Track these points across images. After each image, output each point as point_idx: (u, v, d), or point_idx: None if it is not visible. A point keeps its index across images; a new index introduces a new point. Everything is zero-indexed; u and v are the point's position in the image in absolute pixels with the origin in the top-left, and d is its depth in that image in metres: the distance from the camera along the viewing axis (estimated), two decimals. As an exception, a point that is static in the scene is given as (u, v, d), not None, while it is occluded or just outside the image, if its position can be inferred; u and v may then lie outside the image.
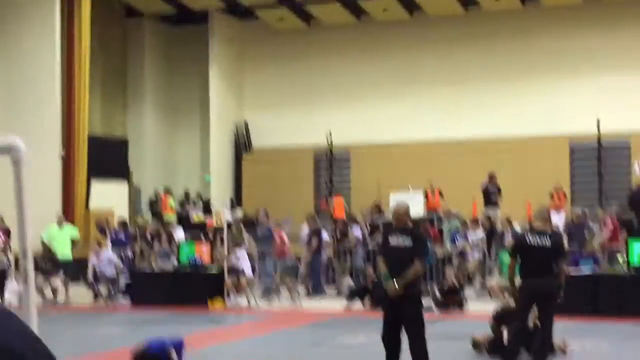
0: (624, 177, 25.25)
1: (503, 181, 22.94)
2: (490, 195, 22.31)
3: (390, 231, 9.88)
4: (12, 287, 17.71)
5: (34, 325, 2.92)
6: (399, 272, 9.15)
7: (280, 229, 19.23)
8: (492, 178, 22.57)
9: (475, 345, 11.22)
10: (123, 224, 21.52)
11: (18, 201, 2.83)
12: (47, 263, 18.54)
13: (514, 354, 10.22)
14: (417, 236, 9.40)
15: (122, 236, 20.80)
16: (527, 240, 10.29)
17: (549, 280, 10.11)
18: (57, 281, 18.68)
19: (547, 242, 10.18)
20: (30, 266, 2.90)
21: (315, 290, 19.20)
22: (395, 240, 9.34)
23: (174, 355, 8.19)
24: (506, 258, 16.44)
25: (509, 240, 17.52)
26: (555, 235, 10.82)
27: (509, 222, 18.63)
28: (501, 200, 22.22)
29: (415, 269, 9.13)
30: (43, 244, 18.79)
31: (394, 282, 9.11)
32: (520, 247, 10.44)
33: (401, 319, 9.20)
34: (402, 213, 9.48)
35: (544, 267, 10.12)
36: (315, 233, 19.48)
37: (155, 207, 27.64)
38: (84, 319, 16.12)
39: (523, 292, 10.28)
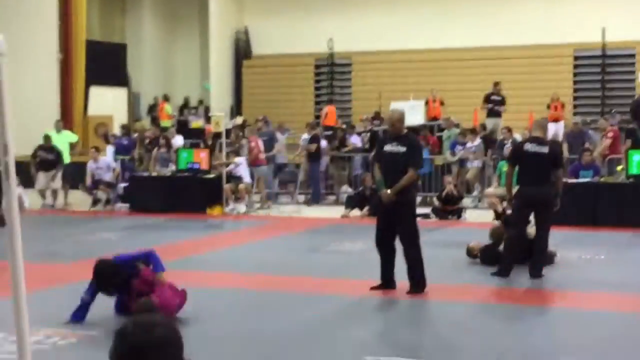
0: (628, 86, 25.02)
1: (506, 91, 22.72)
2: (494, 105, 22.10)
3: (386, 138, 9.82)
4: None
5: (17, 229, 2.84)
6: (393, 179, 9.14)
7: (255, 137, 19.04)
8: (496, 86, 22.34)
9: (469, 252, 11.23)
10: (125, 129, 21.41)
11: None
12: (48, 152, 18.51)
13: (509, 262, 10.24)
14: (412, 143, 9.33)
15: (124, 141, 20.70)
16: (525, 148, 10.23)
17: (546, 188, 10.08)
18: (58, 181, 18.66)
19: (545, 150, 10.12)
20: (12, 162, 2.79)
21: (314, 198, 19.21)
22: (390, 147, 9.28)
23: (141, 265, 8.12)
24: (505, 167, 16.41)
25: (508, 149, 17.41)
26: (553, 144, 10.74)
27: (510, 131, 18.48)
28: (504, 110, 22.04)
29: (408, 176, 9.10)
30: (45, 137, 18.74)
31: (387, 189, 9.11)
32: (518, 155, 10.39)
33: (395, 226, 9.19)
34: (396, 120, 9.39)
35: (541, 175, 10.09)
36: (314, 140, 19.36)
37: (154, 113, 27.51)
38: (83, 223, 16.15)
39: (520, 199, 10.26)
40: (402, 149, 9.17)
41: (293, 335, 7.55)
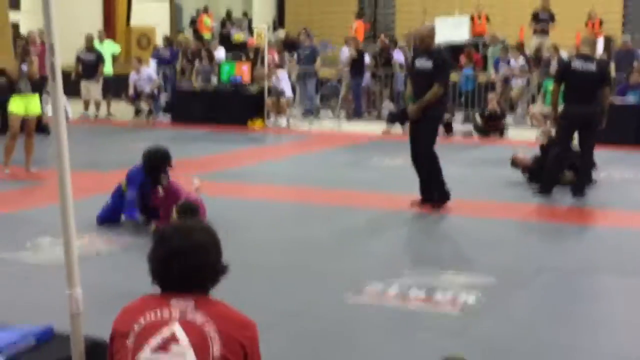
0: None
1: (553, 7, 22.18)
2: (541, 22, 21.61)
3: (417, 54, 9.69)
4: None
5: (64, 132, 2.82)
6: (421, 95, 9.05)
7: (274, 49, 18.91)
8: (544, 3, 21.81)
9: (514, 163, 11.12)
10: (167, 41, 21.36)
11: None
12: (90, 53, 18.55)
13: (552, 179, 10.17)
14: (438, 59, 9.16)
15: (166, 53, 20.68)
16: (573, 66, 10.04)
17: (592, 106, 9.92)
18: (99, 92, 18.76)
19: (592, 67, 9.92)
20: (58, 63, 2.78)
21: (355, 113, 19.13)
22: (419, 63, 9.19)
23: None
24: (550, 85, 16.15)
25: (554, 67, 17.12)
26: (601, 62, 10.51)
27: (556, 49, 18.12)
28: (552, 29, 21.56)
29: (432, 92, 8.99)
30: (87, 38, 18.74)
31: (413, 104, 9.06)
32: (565, 72, 10.19)
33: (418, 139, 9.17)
34: (426, 35, 9.23)
35: (587, 93, 9.90)
36: (357, 55, 19.14)
37: (196, 25, 27.37)
38: (125, 134, 16.29)
39: (565, 117, 10.11)
40: (430, 64, 9.04)
41: (325, 244, 7.66)
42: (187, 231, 2.63)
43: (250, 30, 25.28)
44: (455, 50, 19.50)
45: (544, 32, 21.31)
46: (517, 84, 18.52)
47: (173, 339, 2.48)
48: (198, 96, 18.25)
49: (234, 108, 17.59)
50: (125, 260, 7.12)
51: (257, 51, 19.33)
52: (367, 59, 19.66)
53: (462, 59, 19.23)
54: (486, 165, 12.63)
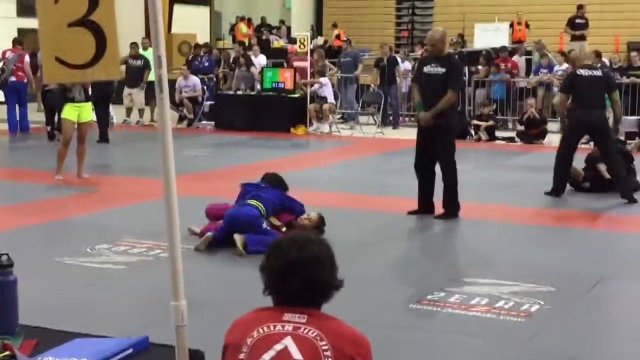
0: None
1: (591, 14, 22.08)
2: (578, 28, 21.54)
3: (425, 59, 9.63)
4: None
5: (169, 139, 2.88)
6: (432, 101, 8.97)
7: None
8: (580, 9, 21.74)
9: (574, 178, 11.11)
10: (207, 49, 21.53)
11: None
12: (136, 59, 18.73)
13: (558, 180, 10.33)
14: (452, 64, 9.11)
15: (205, 61, 20.84)
16: (579, 73, 10.30)
17: (598, 112, 10.13)
18: (141, 99, 18.93)
19: (598, 73, 10.27)
20: (165, 75, 2.89)
21: (393, 122, 19.12)
22: (429, 68, 9.10)
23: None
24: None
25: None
26: (606, 69, 10.79)
27: (598, 55, 18.03)
28: (588, 34, 21.46)
29: (447, 98, 8.93)
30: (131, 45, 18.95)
31: (425, 112, 9.00)
32: (572, 81, 10.42)
33: (433, 149, 9.10)
34: (438, 40, 9.11)
35: (594, 99, 10.12)
36: (390, 62, 19.09)
37: (234, 32, 27.55)
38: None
39: (570, 123, 10.36)
40: (442, 70, 8.96)
41: (377, 250, 7.78)
42: (302, 243, 2.63)
43: (289, 38, 25.42)
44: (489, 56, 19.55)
45: (582, 37, 21.24)
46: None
47: (286, 354, 2.48)
48: (240, 102, 18.38)
49: (276, 114, 17.69)
50: (187, 268, 7.21)
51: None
52: (408, 65, 19.66)
53: (501, 63, 19.16)
54: (528, 171, 12.65)
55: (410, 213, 9.19)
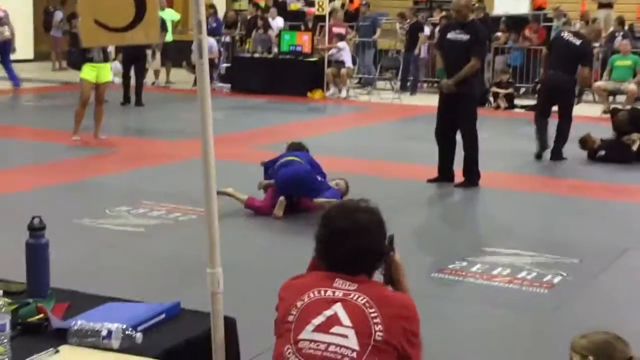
0: None
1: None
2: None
3: (449, 25, 9.54)
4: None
5: (208, 104, 2.85)
6: (455, 68, 8.90)
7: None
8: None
9: (583, 143, 11.07)
10: (212, 11, 21.24)
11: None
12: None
13: (540, 141, 10.79)
14: (476, 31, 9.00)
15: (213, 22, 20.62)
16: (561, 35, 10.97)
17: (566, 76, 10.47)
18: (157, 61, 18.84)
19: (576, 42, 10.52)
20: (205, 40, 2.85)
21: (412, 88, 19.00)
22: (453, 35, 9.02)
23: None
24: (616, 61, 15.94)
25: (619, 41, 16.90)
26: (586, 41, 10.91)
27: (621, 23, 17.84)
28: (615, 1, 21.15)
29: (470, 65, 8.87)
30: None
31: (447, 78, 8.92)
32: (554, 41, 11.20)
33: (454, 117, 9.03)
34: (463, 5, 9.03)
35: (566, 64, 10.42)
36: (415, 28, 18.94)
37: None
38: (185, 101, 16.39)
39: (543, 83, 11.20)
40: (466, 37, 8.88)
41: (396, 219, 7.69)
42: (351, 211, 2.66)
43: (306, 0, 25.17)
44: (516, 23, 19.30)
45: (609, 5, 20.92)
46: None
47: (335, 319, 2.50)
48: (257, 65, 18.27)
49: (294, 78, 17.59)
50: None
51: (316, 20, 19.29)
52: (427, 30, 19.47)
53: (528, 32, 18.91)
54: (549, 140, 12.54)
55: (429, 181, 9.15)
